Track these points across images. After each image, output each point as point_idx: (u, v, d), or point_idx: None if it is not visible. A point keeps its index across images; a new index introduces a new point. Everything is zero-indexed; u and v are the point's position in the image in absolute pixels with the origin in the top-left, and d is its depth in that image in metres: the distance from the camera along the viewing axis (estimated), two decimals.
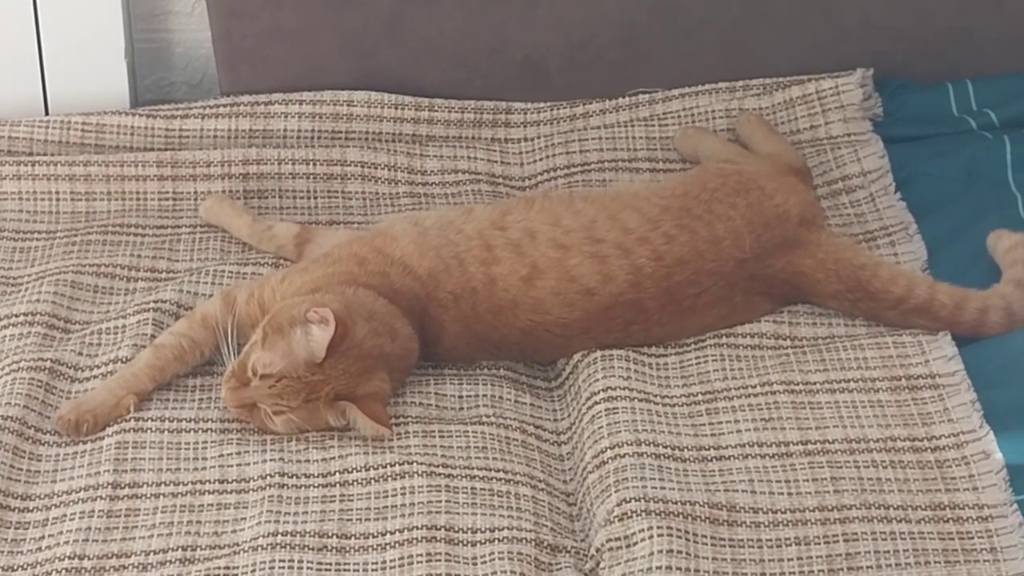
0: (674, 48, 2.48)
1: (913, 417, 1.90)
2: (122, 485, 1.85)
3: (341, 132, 2.45)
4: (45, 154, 2.40)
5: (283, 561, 1.73)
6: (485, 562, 1.74)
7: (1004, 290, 2.05)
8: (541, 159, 2.42)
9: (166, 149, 2.41)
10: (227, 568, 1.74)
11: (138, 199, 2.35)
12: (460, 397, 1.99)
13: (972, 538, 1.72)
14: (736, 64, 2.48)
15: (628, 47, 2.48)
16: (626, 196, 2.12)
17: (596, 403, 1.93)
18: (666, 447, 1.86)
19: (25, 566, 1.76)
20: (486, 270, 2.01)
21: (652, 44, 2.48)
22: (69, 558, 1.75)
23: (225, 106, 2.45)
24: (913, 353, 1.99)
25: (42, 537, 1.79)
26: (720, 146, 2.36)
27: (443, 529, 1.77)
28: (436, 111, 2.47)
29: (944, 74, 2.48)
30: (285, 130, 2.44)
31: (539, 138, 2.46)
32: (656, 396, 1.95)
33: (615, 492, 1.79)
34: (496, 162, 2.43)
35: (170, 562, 1.76)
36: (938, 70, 2.48)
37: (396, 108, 2.46)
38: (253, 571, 1.72)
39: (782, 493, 1.79)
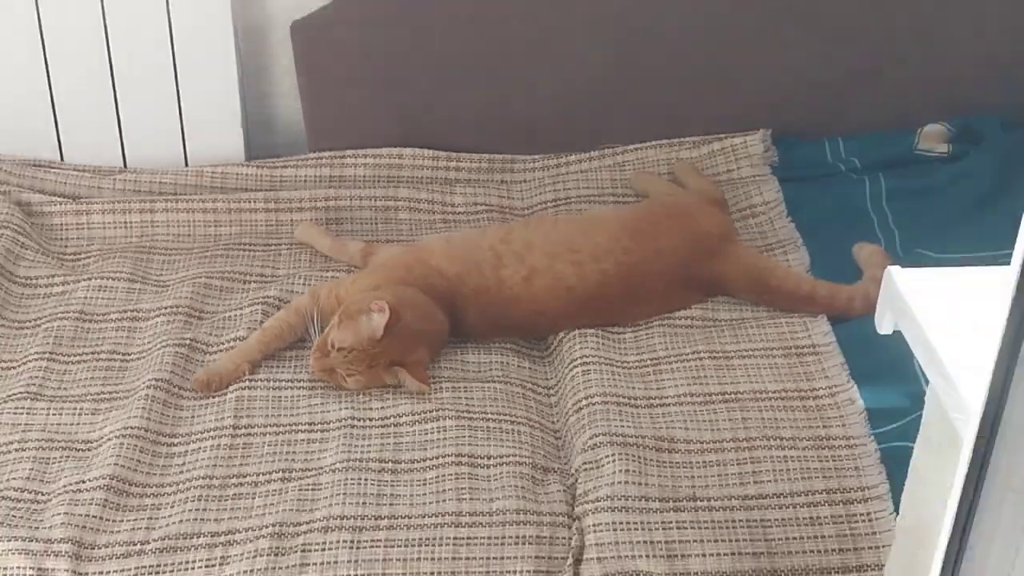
0: (630, 118, 2.53)
1: (800, 375, 1.95)
2: (239, 427, 1.91)
3: (393, 177, 2.50)
4: (186, 194, 2.46)
5: (353, 479, 1.79)
6: (496, 479, 1.79)
7: (865, 284, 2.09)
8: (536, 195, 2.47)
9: (270, 190, 2.46)
10: (314, 484, 1.80)
11: (251, 225, 2.41)
12: (478, 363, 2.04)
13: (842, 460, 1.78)
14: (675, 126, 2.53)
15: (597, 117, 2.53)
16: (596, 219, 2.19)
17: (575, 366, 1.99)
18: (624, 397, 1.92)
19: (173, 483, 1.82)
20: (496, 273, 2.06)
21: (615, 115, 2.53)
22: (202, 478, 1.81)
23: (312, 159, 2.51)
24: (799, 330, 2.04)
25: (183, 464, 1.86)
26: (662, 184, 2.41)
27: (467, 456, 1.82)
28: (461, 162, 2.52)
29: (821, 133, 2.52)
30: (354, 176, 2.50)
31: (534, 180, 2.51)
32: (617, 361, 2.00)
33: (588, 429, 1.85)
34: (504, 197, 2.48)
35: (274, 480, 1.82)
36: (817, 131, 2.52)
37: (432, 160, 2.52)
38: (332, 486, 1.78)
39: (706, 429, 1.85)
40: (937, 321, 0.95)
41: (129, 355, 2.09)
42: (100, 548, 1.71)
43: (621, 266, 2.07)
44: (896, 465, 1.75)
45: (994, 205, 2.31)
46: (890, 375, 1.92)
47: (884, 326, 1.06)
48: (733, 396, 1.91)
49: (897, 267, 1.07)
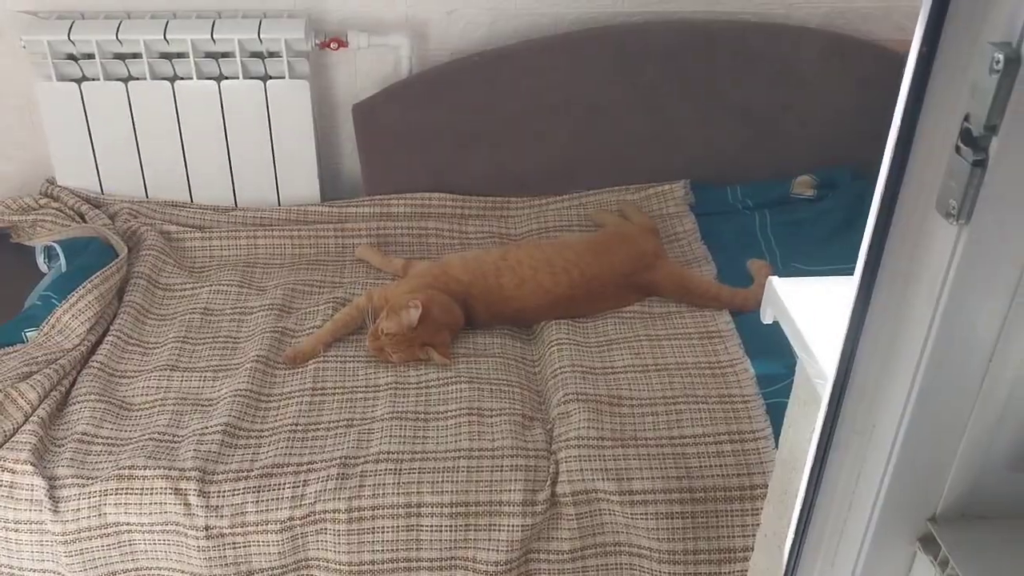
0: (590, 171, 2.52)
1: (710, 351, 1.94)
2: (316, 389, 1.90)
3: (425, 213, 2.49)
4: (278, 226, 2.46)
5: (396, 426, 1.79)
6: (497, 425, 1.79)
7: (755, 289, 2.09)
8: (525, 226, 2.46)
9: (338, 223, 2.45)
10: (369, 429, 1.80)
11: (324, 248, 2.40)
12: (484, 344, 2.04)
13: (739, 412, 1.78)
14: (621, 176, 2.52)
15: (567, 171, 2.52)
16: (566, 243, 2.18)
17: (552, 345, 1.98)
18: (586, 367, 1.91)
19: (269, 428, 1.82)
20: (497, 281, 2.06)
21: (579, 170, 2.52)
22: (290, 424, 1.81)
23: (367, 201, 2.50)
24: (709, 320, 2.04)
25: (277, 415, 1.85)
26: (613, 218, 2.40)
27: (476, 409, 1.82)
28: (473, 202, 2.51)
29: (724, 182, 2.52)
30: (397, 212, 2.48)
31: (524, 216, 2.49)
32: (582, 342, 2.00)
33: (561, 390, 1.84)
34: (503, 227, 2.47)
35: (341, 426, 1.81)
36: (722, 180, 2.52)
37: (452, 201, 2.51)
38: (381, 431, 1.78)
39: (644, 390, 1.84)
40: (803, 314, 0.95)
41: (239, 339, 2.08)
42: (218, 474, 1.71)
43: (584, 276, 2.07)
44: (777, 415, 1.75)
45: (846, 233, 2.31)
46: (772, 352, 1.91)
47: (766, 317, 1.07)
48: (663, 366, 1.90)
49: (776, 277, 1.07)
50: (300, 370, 1.96)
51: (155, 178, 2.52)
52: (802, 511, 0.85)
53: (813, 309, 0.96)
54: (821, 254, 2.22)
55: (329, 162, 2.64)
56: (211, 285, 2.24)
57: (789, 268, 2.19)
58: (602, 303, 2.09)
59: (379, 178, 2.54)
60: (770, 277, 1.07)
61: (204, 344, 2.06)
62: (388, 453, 1.73)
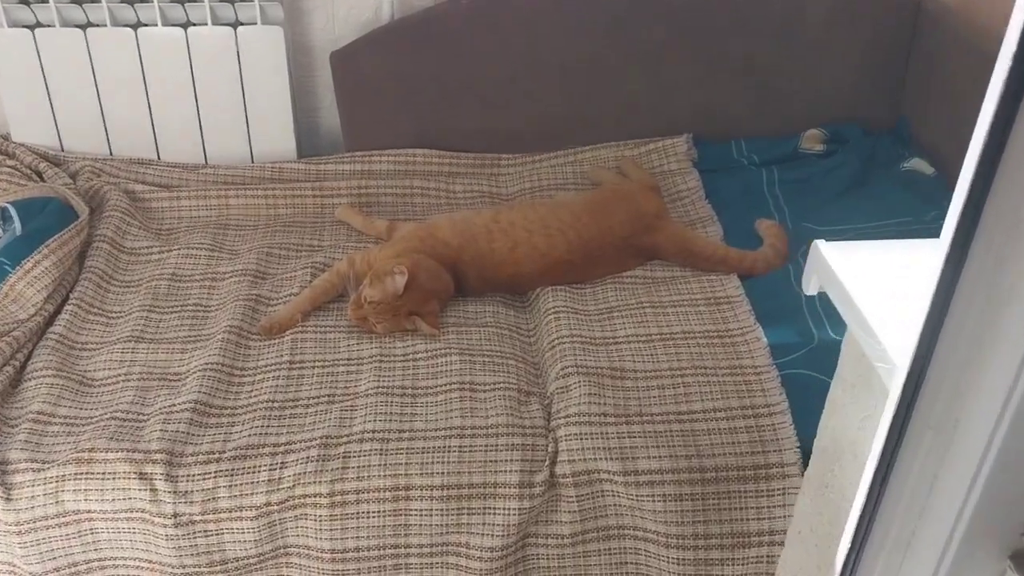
0: (585, 125, 2.38)
1: (718, 319, 1.81)
2: (294, 362, 1.76)
3: (409, 171, 2.35)
4: (252, 184, 2.30)
5: (381, 402, 1.65)
6: (491, 401, 1.66)
7: (765, 251, 1.96)
8: (516, 185, 2.32)
9: (316, 180, 2.31)
10: (352, 406, 1.66)
11: (302, 208, 2.25)
12: (476, 312, 1.90)
13: (752, 384, 1.65)
14: (620, 131, 2.38)
15: (561, 126, 2.38)
16: (562, 202, 2.03)
17: (549, 314, 1.85)
18: (586, 337, 1.78)
19: (243, 406, 1.68)
20: (489, 245, 1.92)
21: (575, 125, 2.38)
22: (266, 401, 1.68)
23: (347, 157, 2.35)
24: (717, 285, 1.91)
25: (251, 391, 1.71)
26: (611, 176, 2.26)
27: (468, 383, 1.69)
28: (461, 159, 2.37)
29: (729, 137, 2.38)
30: (380, 170, 2.34)
31: (515, 174, 2.36)
32: (580, 310, 1.87)
33: (560, 362, 1.72)
34: (493, 186, 2.33)
35: (321, 403, 1.68)
36: (726, 135, 2.38)
37: (439, 158, 2.36)
38: (365, 407, 1.65)
39: (649, 361, 1.71)
40: (857, 285, 0.82)
41: (209, 307, 1.93)
42: (187, 456, 1.58)
43: (582, 238, 1.93)
44: (792, 387, 1.64)
45: (855, 191, 2.18)
46: (784, 318, 1.80)
47: (810, 288, 0.92)
48: (668, 336, 1.78)
49: (822, 240, 0.93)
50: (276, 341, 1.82)
51: (119, 133, 2.36)
52: (861, 517, 0.72)
53: (868, 278, 0.83)
54: (832, 212, 2.08)
55: (306, 115, 2.47)
56: (179, 249, 2.08)
57: (799, 228, 2.05)
58: (601, 267, 1.95)
59: (360, 133, 2.38)
60: (814, 241, 0.93)
61: (172, 313, 1.91)
62: (373, 432, 1.60)
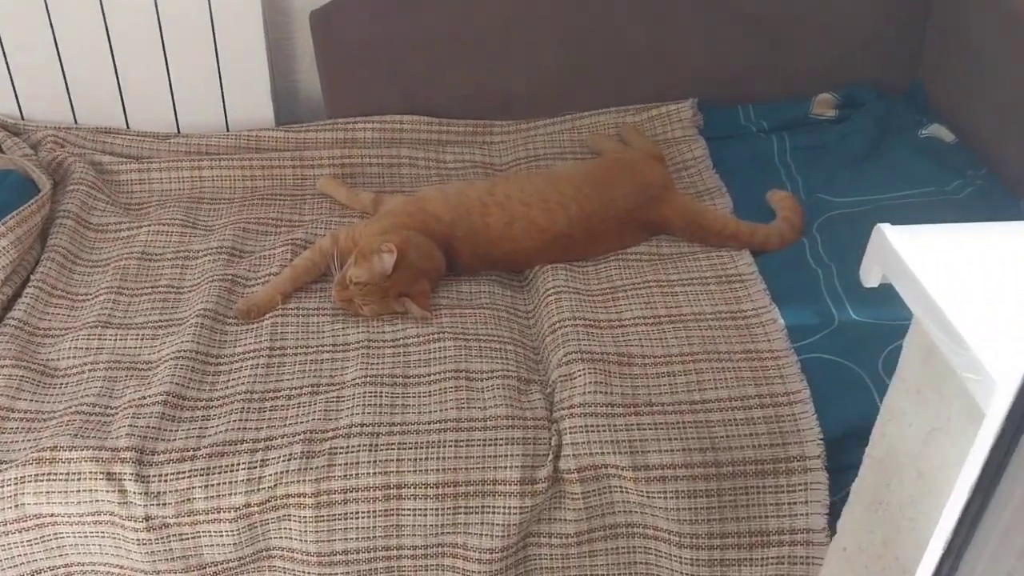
0: (585, 90, 2.25)
1: (730, 299, 1.69)
2: (275, 348, 1.63)
3: (396, 139, 2.21)
4: (227, 154, 2.16)
5: (370, 392, 1.53)
6: (488, 390, 1.54)
7: (779, 225, 1.84)
8: (511, 154, 2.19)
9: (296, 150, 2.16)
10: (338, 397, 1.54)
11: (280, 180, 2.11)
12: (470, 292, 1.78)
13: (769, 370, 1.53)
14: (620, 96, 2.25)
15: (559, 90, 2.25)
16: (562, 173, 1.90)
17: (549, 295, 1.73)
18: (590, 320, 1.66)
19: (220, 397, 1.56)
20: (483, 220, 1.79)
21: (573, 88, 2.25)
22: (244, 392, 1.55)
23: (329, 125, 2.20)
24: (728, 261, 1.78)
25: (228, 381, 1.59)
26: (612, 144, 2.13)
27: (463, 371, 1.57)
28: (451, 127, 2.23)
29: (736, 102, 2.25)
30: (364, 138, 2.20)
31: (509, 142, 2.22)
32: (583, 290, 1.74)
33: (562, 348, 1.60)
34: (486, 156, 2.19)
35: (304, 393, 1.56)
36: (733, 99, 2.25)
37: (428, 125, 2.22)
38: (353, 398, 1.53)
39: (658, 346, 1.60)
40: (933, 278, 0.70)
41: (182, 289, 1.80)
42: (159, 455, 1.45)
43: (583, 212, 1.80)
44: (814, 373, 1.52)
45: (871, 159, 2.05)
46: (801, 297, 1.68)
47: (870, 279, 0.81)
48: (678, 318, 1.66)
49: (887, 225, 0.81)
50: (255, 326, 1.69)
51: (84, 100, 2.20)
52: (946, 552, 0.61)
53: (943, 270, 0.71)
54: (849, 183, 1.96)
55: (284, 79, 2.32)
56: (150, 225, 1.94)
57: (813, 199, 1.93)
58: (604, 243, 1.83)
59: (343, 98, 2.24)
60: (878, 225, 0.81)
61: (142, 296, 1.78)
62: (361, 425, 1.48)
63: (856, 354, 1.54)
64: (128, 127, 2.23)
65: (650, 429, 1.46)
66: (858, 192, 1.92)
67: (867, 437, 1.45)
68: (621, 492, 1.44)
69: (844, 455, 1.44)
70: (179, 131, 2.24)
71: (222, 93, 2.21)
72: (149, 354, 1.65)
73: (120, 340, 1.67)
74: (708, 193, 2.01)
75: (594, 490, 1.44)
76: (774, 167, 2.08)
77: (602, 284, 1.76)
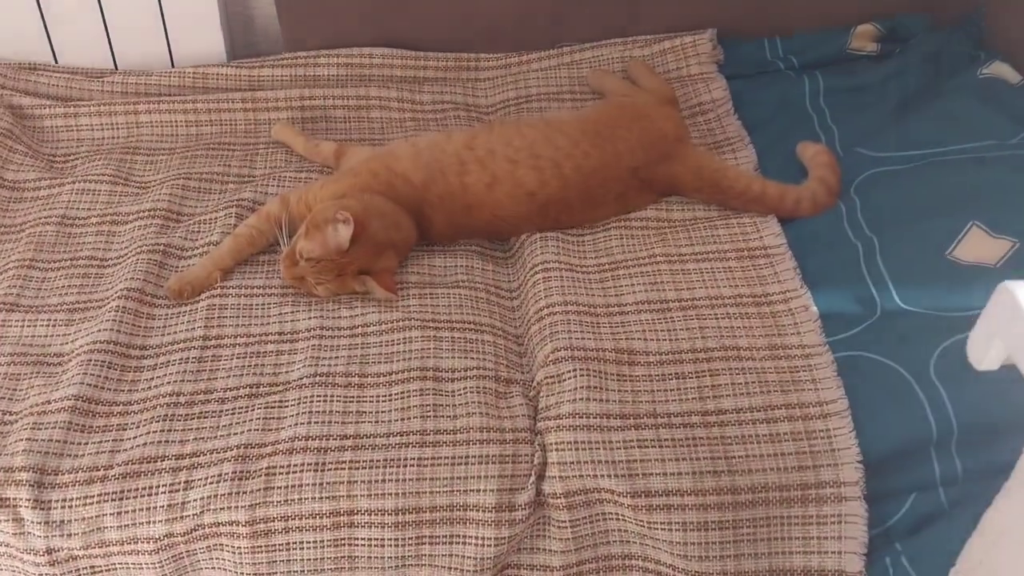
0: (583, 16, 1.95)
1: (753, 279, 1.44)
2: (210, 338, 1.39)
3: (365, 76, 1.92)
4: (170, 95, 1.88)
5: (319, 396, 1.30)
6: (461, 394, 1.31)
7: (812, 186, 1.57)
8: (499, 93, 1.91)
9: (248, 90, 1.89)
10: (280, 401, 1.31)
11: (230, 125, 1.84)
12: (444, 267, 1.53)
13: (799, 372, 1.29)
14: (627, 25, 1.95)
15: (553, 16, 1.95)
16: (556, 123, 1.62)
17: (536, 272, 1.48)
18: (584, 305, 1.42)
19: (140, 401, 1.32)
20: (461, 180, 1.52)
21: (569, 14, 1.95)
22: (169, 395, 1.32)
23: (287, 59, 1.92)
24: (751, 231, 1.53)
25: (152, 379, 1.35)
26: (617, 83, 1.85)
27: (431, 370, 1.33)
28: (428, 61, 1.94)
29: (761, 33, 1.94)
30: (327, 75, 1.91)
31: (497, 78, 1.94)
32: (577, 266, 1.50)
33: (550, 342, 1.35)
34: (469, 95, 1.91)
35: (241, 396, 1.32)
36: (757, 30, 1.95)
37: (401, 59, 1.93)
38: (298, 403, 1.30)
39: (665, 340, 1.35)
40: None
41: (106, 261, 1.55)
42: (63, 474, 1.23)
43: (580, 171, 1.53)
44: (851, 376, 1.28)
45: (921, 105, 1.75)
46: (837, 278, 1.43)
47: (987, 360, 0.54)
48: (690, 303, 1.41)
49: (1015, 282, 0.54)
50: (188, 308, 1.45)
51: (1, 31, 1.91)
52: None
53: None
54: (894, 134, 1.67)
55: (236, 6, 2.02)
56: (74, 182, 1.69)
57: (851, 154, 1.65)
58: (603, 208, 1.57)
59: (303, 27, 1.95)
60: (1001, 284, 0.55)
61: (58, 270, 1.54)
62: (306, 439, 1.25)
63: (903, 353, 1.29)
64: (56, 62, 1.95)
65: (653, 446, 1.23)
66: (904, 145, 1.64)
67: (915, 459, 1.24)
68: (617, 520, 1.22)
69: (885, 481, 1.21)
70: (116, 67, 1.96)
71: (164, 22, 1.92)
72: (60, 345, 1.41)
73: (28, 327, 1.43)
74: (728, 144, 1.74)
75: (585, 517, 1.22)
76: (805, 113, 1.80)
77: (600, 258, 1.51)
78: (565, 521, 1.21)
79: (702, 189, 1.59)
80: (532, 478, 1.22)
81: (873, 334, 1.33)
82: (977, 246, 1.40)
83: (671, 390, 1.29)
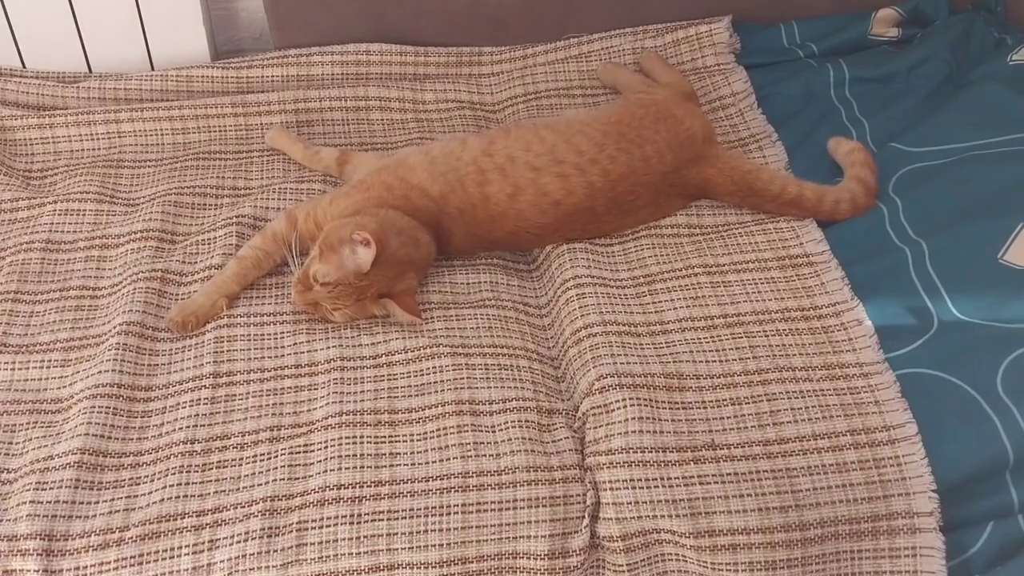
0: (592, 4, 1.84)
1: (799, 290, 1.36)
2: (220, 374, 1.28)
3: (362, 75, 1.81)
4: (151, 100, 1.75)
5: (348, 438, 1.20)
6: (502, 430, 1.21)
7: (850, 186, 1.49)
8: (505, 89, 1.80)
9: (237, 93, 1.77)
10: (305, 445, 1.21)
11: (220, 132, 1.72)
12: (467, 284, 1.43)
13: (859, 393, 1.22)
14: (637, 14, 1.85)
15: (561, 5, 1.84)
16: (575, 124, 1.52)
17: (568, 288, 1.38)
18: (624, 324, 1.32)
19: (152, 450, 1.21)
20: (481, 190, 1.42)
21: (577, 2, 1.84)
22: (183, 442, 1.21)
23: (278, 58, 1.79)
24: (790, 237, 1.44)
25: (162, 424, 1.24)
26: (632, 77, 1.75)
27: (467, 403, 1.24)
28: (430, 56, 1.83)
29: (775, 18, 1.86)
30: (322, 74, 1.80)
31: (503, 73, 1.83)
32: (611, 280, 1.40)
33: (593, 368, 1.26)
34: (474, 92, 1.80)
35: (261, 441, 1.21)
36: (772, 15, 1.87)
37: (401, 55, 1.82)
38: (326, 447, 1.19)
39: (714, 361, 1.27)
40: None
41: (99, 290, 1.43)
42: (74, 539, 1.12)
43: (608, 176, 1.44)
44: (914, 396, 1.21)
45: (952, 95, 1.68)
46: (887, 287, 1.35)
47: None
48: (735, 319, 1.32)
49: None
50: (194, 341, 1.34)
51: None
52: None
53: None
54: (928, 127, 1.59)
55: (220, 2, 1.88)
56: (55, 201, 1.56)
57: (887, 150, 1.57)
58: (633, 216, 1.48)
59: (294, 23, 1.82)
60: None
61: (47, 302, 1.41)
62: (338, 488, 1.15)
63: (967, 369, 1.22)
64: (24, 66, 1.80)
65: (715, 481, 1.15)
66: (940, 139, 1.57)
67: (990, 485, 1.17)
68: (678, 561, 1.14)
69: (960, 509, 1.15)
70: (91, 70, 1.82)
71: (141, 20, 1.78)
72: (58, 389, 1.29)
73: (19, 370, 1.31)
74: (754, 141, 1.65)
75: (643, 560, 1.14)
76: (831, 105, 1.71)
77: (633, 271, 1.42)
78: (622, 565, 1.13)
79: (735, 193, 1.50)
80: (586, 520, 1.14)
81: (932, 349, 1.26)
82: None
83: (727, 417, 1.21)
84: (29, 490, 1.15)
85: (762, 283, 1.38)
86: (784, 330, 1.30)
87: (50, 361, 1.32)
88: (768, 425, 1.19)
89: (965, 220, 1.40)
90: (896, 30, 1.85)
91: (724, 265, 1.41)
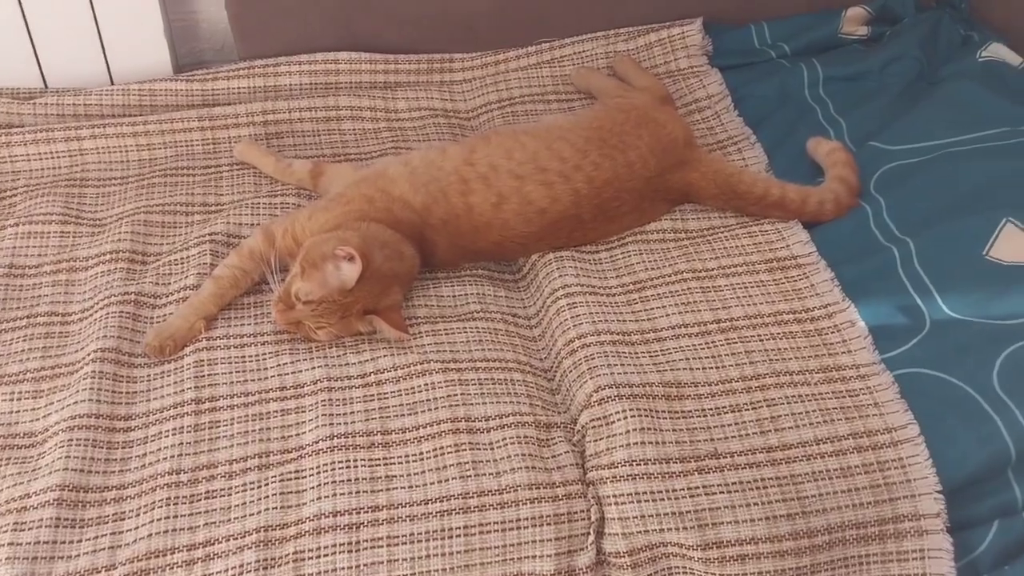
0: (563, 7, 1.82)
1: (789, 293, 1.35)
2: (202, 400, 1.23)
3: (332, 84, 1.76)
4: (113, 116, 1.69)
5: (341, 462, 1.15)
6: (500, 446, 1.18)
7: (832, 186, 1.48)
8: (479, 96, 1.77)
9: (203, 106, 1.71)
10: (297, 471, 1.16)
11: (186, 147, 1.65)
12: (453, 296, 1.39)
13: (858, 395, 1.20)
14: (608, 17, 1.83)
15: (532, 9, 1.81)
16: (555, 130, 1.49)
17: (558, 297, 1.35)
18: (617, 333, 1.30)
19: (135, 482, 1.15)
20: (464, 200, 1.39)
21: (548, 6, 1.81)
22: (168, 473, 1.15)
23: (243, 69, 1.74)
24: (775, 239, 1.43)
25: (144, 454, 1.18)
26: (607, 82, 1.73)
27: (463, 420, 1.20)
28: (400, 64, 1.78)
29: (747, 19, 1.85)
30: (290, 84, 1.74)
31: (475, 80, 1.80)
32: (600, 288, 1.38)
33: (590, 379, 1.23)
34: (447, 100, 1.77)
35: (250, 468, 1.16)
36: (743, 16, 1.85)
37: (371, 63, 1.77)
38: (318, 472, 1.15)
39: (711, 367, 1.25)
40: None
41: (68, 316, 1.36)
42: None
43: (592, 183, 1.41)
44: (913, 396, 1.20)
45: (924, 92, 1.68)
46: (877, 287, 1.35)
47: None
48: (729, 324, 1.30)
49: None
50: (173, 365, 1.28)
51: None
52: None
53: None
54: (904, 124, 1.59)
55: (180, 9, 1.82)
56: (16, 224, 1.48)
57: (867, 149, 1.57)
58: (618, 222, 1.46)
59: (258, 32, 1.77)
60: None
61: (14, 331, 1.34)
62: (334, 515, 1.11)
63: (962, 366, 1.22)
64: None
65: (720, 491, 1.13)
66: (916, 137, 1.57)
67: (993, 483, 1.17)
68: (687, 574, 1.12)
69: (964, 509, 1.14)
70: (46, 85, 1.74)
71: (98, 30, 1.72)
72: (30, 422, 1.22)
73: None
74: (732, 143, 1.64)
75: (652, 575, 1.11)
76: (806, 105, 1.71)
77: (622, 278, 1.40)
78: None
79: (719, 196, 1.48)
80: (591, 537, 1.11)
81: (926, 348, 1.25)
82: (1014, 244, 1.34)
83: (728, 425, 1.18)
84: (6, 531, 1.08)
85: (752, 286, 1.36)
86: (778, 334, 1.29)
87: (21, 393, 1.25)
88: (770, 431, 1.17)
89: (949, 217, 1.40)
90: (866, 28, 1.85)
91: (712, 269, 1.39)
